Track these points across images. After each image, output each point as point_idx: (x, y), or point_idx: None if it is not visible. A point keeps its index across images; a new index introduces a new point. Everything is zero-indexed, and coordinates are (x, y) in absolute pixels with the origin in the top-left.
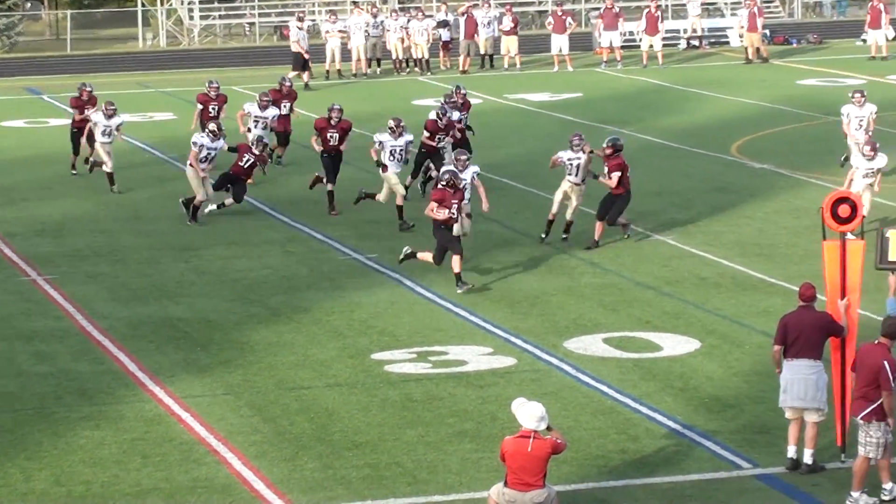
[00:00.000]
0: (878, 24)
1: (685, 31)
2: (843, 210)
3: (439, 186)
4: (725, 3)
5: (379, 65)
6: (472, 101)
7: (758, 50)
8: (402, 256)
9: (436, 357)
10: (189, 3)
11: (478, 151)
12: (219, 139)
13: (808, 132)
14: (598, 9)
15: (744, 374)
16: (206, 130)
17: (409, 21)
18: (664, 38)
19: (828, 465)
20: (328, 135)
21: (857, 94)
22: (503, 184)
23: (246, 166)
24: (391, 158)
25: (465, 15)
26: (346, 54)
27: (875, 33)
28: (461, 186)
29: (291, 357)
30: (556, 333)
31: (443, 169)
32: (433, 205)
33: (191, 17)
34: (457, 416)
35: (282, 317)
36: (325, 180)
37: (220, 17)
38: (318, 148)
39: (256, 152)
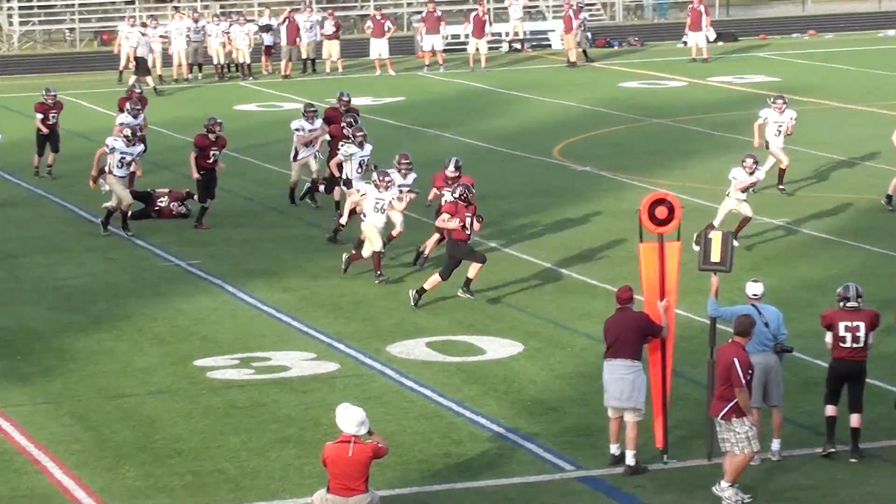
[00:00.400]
0: (699, 26)
1: (507, 34)
2: (661, 212)
3: (451, 200)
4: (547, 7)
5: (200, 70)
6: (294, 105)
7: (585, 52)
8: (415, 295)
9: (259, 363)
10: (8, 9)
11: None
12: (134, 144)
13: (630, 134)
14: (420, 13)
15: (566, 377)
16: (122, 135)
17: (230, 26)
18: (488, 42)
19: (651, 467)
20: (210, 151)
21: (780, 101)
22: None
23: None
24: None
25: (287, 20)
26: (166, 59)
27: (695, 35)
28: (473, 200)
29: (113, 365)
30: (379, 338)
31: (455, 184)
32: (445, 216)
33: (10, 23)
34: (280, 422)
35: (103, 324)
36: (197, 197)
37: (40, 22)
38: (195, 172)
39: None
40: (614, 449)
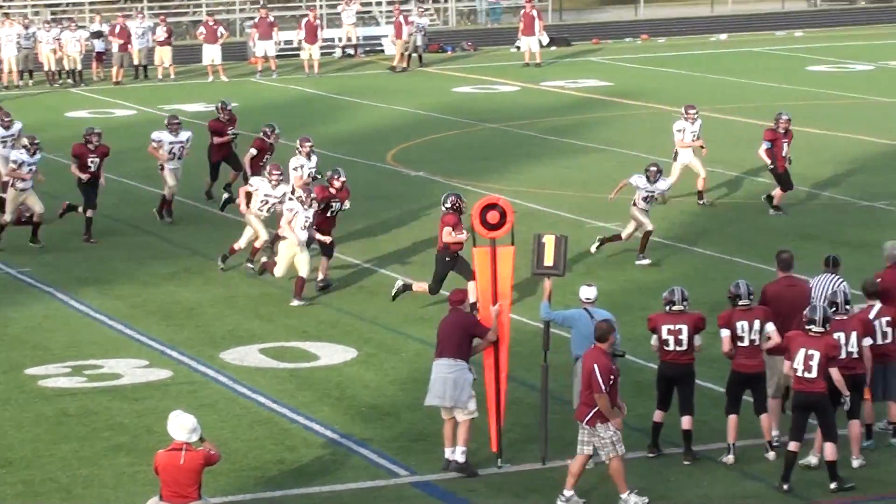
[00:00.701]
0: (532, 31)
1: (340, 39)
2: (493, 216)
3: (444, 209)
4: (381, 12)
5: (31, 77)
6: (126, 112)
7: (420, 57)
8: (394, 291)
9: (91, 371)
10: None
11: (136, 164)
12: (35, 154)
13: (463, 139)
14: (252, 18)
15: (400, 382)
16: (22, 145)
17: (61, 32)
18: (321, 47)
19: (485, 471)
20: (89, 160)
21: (692, 110)
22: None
23: None
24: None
25: (119, 26)
26: None
27: (528, 40)
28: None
29: None
30: (213, 345)
31: (445, 193)
32: (448, 229)
33: None
34: (112, 430)
35: None
36: (80, 208)
37: None
38: (80, 175)
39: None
40: (448, 453)
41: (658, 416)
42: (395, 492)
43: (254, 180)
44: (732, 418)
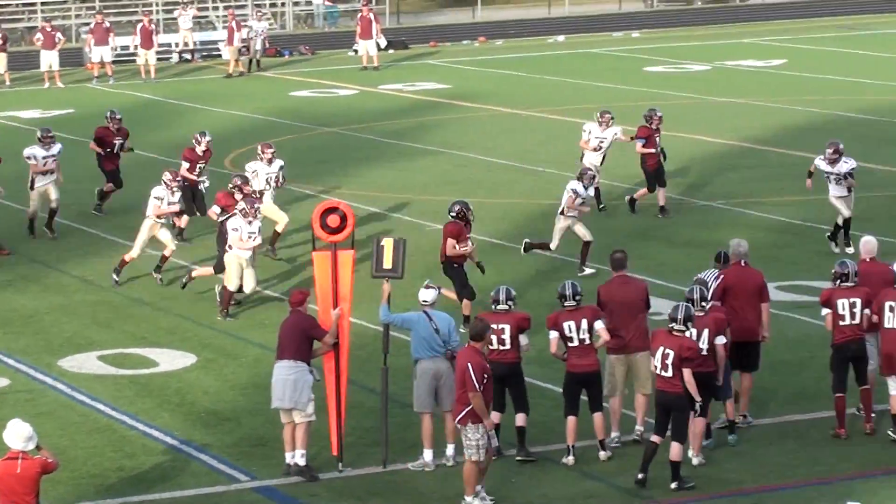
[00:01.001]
0: (369, 34)
1: (177, 44)
2: (333, 220)
3: (450, 218)
4: (217, 17)
5: None
6: None
7: (258, 62)
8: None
9: None
10: None
11: None
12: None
13: (301, 143)
14: (88, 24)
15: (241, 387)
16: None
17: None
18: (158, 52)
19: (326, 475)
20: None
21: (607, 115)
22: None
23: None
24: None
25: None
26: None
27: (366, 44)
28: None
29: None
30: (50, 352)
31: (452, 202)
32: (452, 242)
33: None
34: None
35: None
36: None
37: None
38: None
39: None
40: (289, 457)
41: (495, 416)
42: (235, 497)
43: (155, 189)
44: (571, 419)
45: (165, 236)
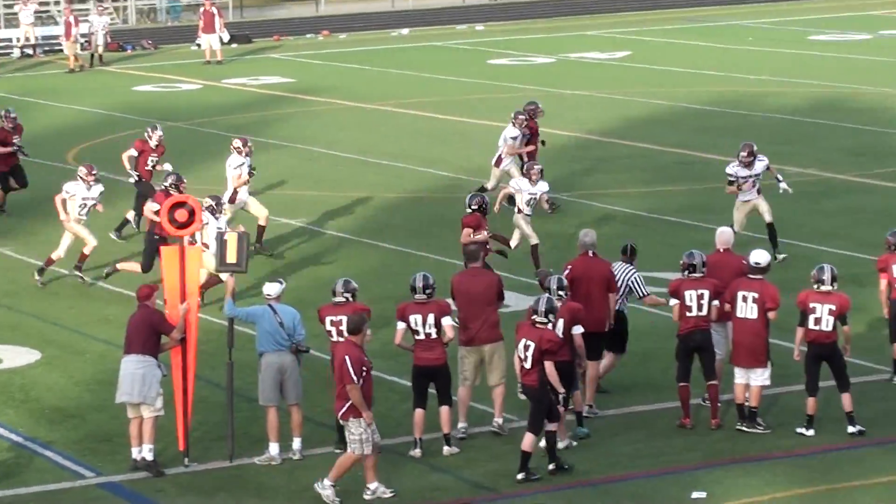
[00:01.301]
0: (212, 28)
1: (18, 39)
2: (181, 215)
3: (468, 210)
4: (59, 12)
5: None
6: None
7: (101, 57)
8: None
9: None
10: None
11: None
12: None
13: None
14: None
15: (86, 383)
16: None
17: None
18: None
19: (172, 470)
20: None
21: (521, 116)
22: None
23: None
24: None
25: None
26: None
27: (209, 38)
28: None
29: None
30: None
31: (470, 194)
32: (468, 230)
33: None
34: None
35: None
36: None
37: None
38: None
39: None
40: (136, 452)
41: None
42: (80, 493)
43: (68, 185)
44: (419, 412)
45: (83, 232)
